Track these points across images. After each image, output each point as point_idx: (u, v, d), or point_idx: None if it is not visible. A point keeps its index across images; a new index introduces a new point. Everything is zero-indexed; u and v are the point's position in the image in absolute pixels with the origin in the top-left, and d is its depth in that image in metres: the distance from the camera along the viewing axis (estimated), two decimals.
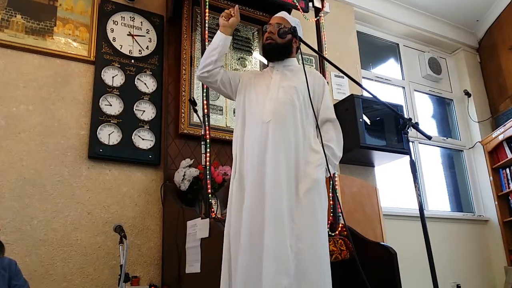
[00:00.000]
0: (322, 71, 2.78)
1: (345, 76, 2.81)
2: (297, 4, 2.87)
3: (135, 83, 2.91)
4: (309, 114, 2.00)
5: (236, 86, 2.09)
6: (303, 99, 1.99)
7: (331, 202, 2.41)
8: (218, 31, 2.02)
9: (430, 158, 4.62)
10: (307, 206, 1.81)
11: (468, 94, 4.90)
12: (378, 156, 3.62)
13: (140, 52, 3.00)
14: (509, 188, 4.27)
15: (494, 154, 4.48)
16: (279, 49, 2.08)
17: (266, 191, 1.79)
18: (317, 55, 3.38)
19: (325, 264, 1.77)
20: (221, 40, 2.01)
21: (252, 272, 1.71)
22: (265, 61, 2.41)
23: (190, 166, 2.66)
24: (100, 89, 2.78)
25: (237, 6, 2.03)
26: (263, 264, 1.69)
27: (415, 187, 1.65)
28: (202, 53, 2.36)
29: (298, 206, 1.80)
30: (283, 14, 2.14)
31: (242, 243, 1.77)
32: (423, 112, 4.79)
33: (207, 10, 2.46)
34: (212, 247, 2.03)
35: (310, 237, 1.77)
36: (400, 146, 3.56)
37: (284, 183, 1.80)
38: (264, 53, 2.15)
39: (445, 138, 4.75)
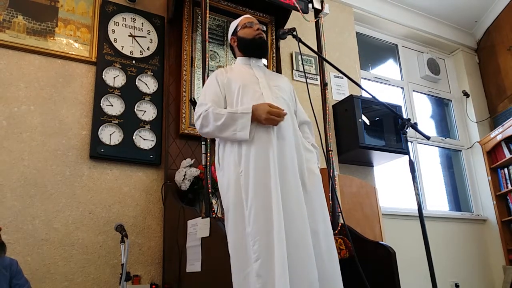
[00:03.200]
0: (322, 72, 2.80)
1: (344, 77, 2.84)
2: (296, 5, 2.89)
3: (136, 83, 2.92)
4: (294, 115, 2.06)
5: (224, 93, 1.98)
6: (290, 100, 2.05)
7: (330, 202, 2.43)
8: (247, 128, 1.78)
9: (429, 158, 4.64)
10: (317, 201, 1.89)
11: (466, 94, 4.92)
12: (377, 156, 3.64)
13: (141, 53, 3.01)
14: (507, 187, 4.29)
15: (492, 154, 4.50)
16: (266, 48, 2.16)
17: (290, 189, 1.80)
18: (317, 56, 3.40)
19: (336, 254, 1.87)
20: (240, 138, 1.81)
21: (301, 269, 1.71)
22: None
23: (190, 166, 2.68)
24: (101, 89, 2.80)
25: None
26: (307, 261, 1.72)
27: (414, 186, 1.67)
28: (203, 54, 2.38)
29: (308, 201, 1.84)
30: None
31: (286, 244, 1.67)
32: (422, 112, 4.81)
33: (207, 11, 2.47)
34: (213, 246, 2.04)
35: (323, 230, 1.85)
36: (399, 146, 3.59)
37: (298, 179, 1.85)
38: (256, 47, 2.09)
39: (443, 138, 4.78)
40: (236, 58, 2.20)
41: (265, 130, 1.83)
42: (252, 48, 2.09)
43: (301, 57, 2.32)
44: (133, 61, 2.96)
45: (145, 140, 2.84)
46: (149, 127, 2.88)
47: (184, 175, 2.60)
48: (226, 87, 1.97)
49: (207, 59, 2.35)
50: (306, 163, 1.92)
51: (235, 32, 2.14)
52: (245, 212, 1.75)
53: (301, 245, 1.72)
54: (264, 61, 2.18)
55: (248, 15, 2.20)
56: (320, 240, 1.81)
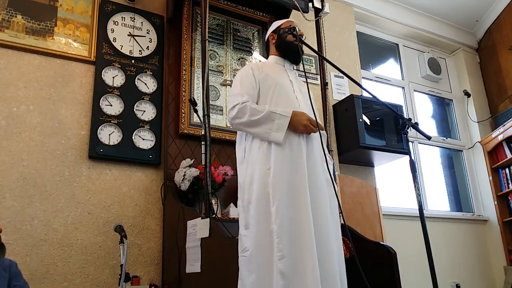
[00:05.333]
0: (322, 71, 2.79)
1: (344, 76, 2.82)
2: (297, 4, 2.88)
3: (136, 83, 2.91)
4: None
5: (258, 87, 1.99)
6: (314, 107, 2.07)
7: None
8: (283, 131, 1.81)
9: (430, 158, 4.63)
10: (334, 209, 1.93)
11: (467, 94, 4.91)
12: (377, 156, 3.63)
13: (140, 52, 3.00)
14: (508, 188, 4.28)
15: (493, 154, 4.48)
16: (301, 58, 2.15)
17: (319, 193, 1.84)
18: (317, 55, 3.39)
19: (344, 263, 1.92)
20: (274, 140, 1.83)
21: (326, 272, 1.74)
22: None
23: (190, 166, 2.67)
24: (100, 89, 2.79)
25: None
26: (330, 261, 1.77)
27: (415, 187, 1.66)
28: (203, 53, 2.37)
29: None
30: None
31: (313, 248, 1.71)
32: (423, 112, 4.80)
33: (207, 11, 2.46)
34: (213, 246, 2.03)
35: (339, 235, 1.94)
36: (400, 146, 3.57)
37: (325, 184, 1.90)
38: (296, 52, 2.09)
39: (444, 138, 4.76)
40: (268, 56, 2.22)
41: (296, 134, 1.87)
42: (292, 52, 2.11)
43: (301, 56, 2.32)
44: (133, 61, 2.95)
45: (144, 140, 2.83)
46: (149, 127, 2.86)
47: (184, 175, 2.59)
48: (261, 82, 1.98)
49: (207, 58, 2.35)
50: (325, 173, 1.95)
51: (276, 30, 2.16)
52: (271, 208, 1.75)
53: (327, 248, 1.76)
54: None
55: (291, 20, 2.22)
56: (334, 247, 1.85)
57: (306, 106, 2.00)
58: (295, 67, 2.21)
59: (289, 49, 2.11)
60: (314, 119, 1.91)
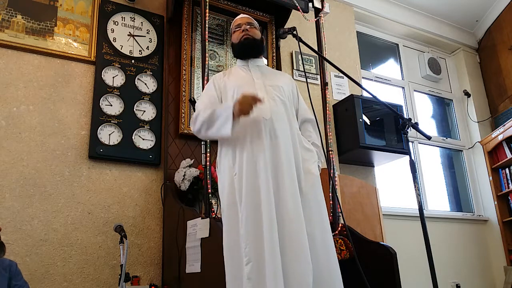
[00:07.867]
0: (322, 71, 2.79)
1: (345, 76, 2.83)
2: (297, 4, 2.88)
3: (136, 83, 2.91)
4: (294, 113, 2.05)
5: (220, 94, 2.01)
6: (288, 99, 2.03)
7: (330, 202, 2.42)
8: (229, 123, 1.74)
9: (430, 158, 4.63)
10: (313, 202, 1.87)
11: (467, 94, 4.91)
12: (377, 156, 3.63)
13: (140, 52, 3.00)
14: (508, 188, 4.28)
15: (493, 154, 4.48)
16: (257, 46, 2.10)
17: (285, 190, 1.78)
18: (317, 55, 3.39)
19: (335, 256, 1.85)
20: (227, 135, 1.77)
21: (295, 273, 1.69)
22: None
23: (190, 166, 2.67)
24: (100, 89, 2.79)
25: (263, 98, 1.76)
26: (302, 264, 1.70)
27: (415, 187, 1.66)
28: (203, 53, 2.37)
29: (304, 202, 1.82)
30: (247, 15, 2.19)
31: (275, 244, 1.67)
32: (423, 112, 4.80)
33: (207, 11, 2.47)
34: (212, 247, 2.03)
35: (320, 234, 1.83)
36: (400, 146, 3.57)
37: (295, 179, 1.83)
38: (243, 49, 2.08)
39: (444, 138, 4.76)
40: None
41: (257, 131, 1.84)
42: (240, 52, 2.10)
43: (301, 56, 2.32)
44: (133, 61, 2.95)
45: (144, 140, 2.83)
46: (149, 127, 2.86)
47: (184, 175, 2.59)
48: (222, 90, 2.01)
49: (206, 58, 2.35)
50: (303, 163, 1.91)
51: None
52: (239, 214, 1.77)
53: (296, 248, 1.70)
54: (265, 60, 2.15)
55: (240, 16, 2.20)
56: (316, 244, 1.78)
57: (271, 100, 1.93)
58: (263, 62, 2.15)
59: (238, 50, 2.11)
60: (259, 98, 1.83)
